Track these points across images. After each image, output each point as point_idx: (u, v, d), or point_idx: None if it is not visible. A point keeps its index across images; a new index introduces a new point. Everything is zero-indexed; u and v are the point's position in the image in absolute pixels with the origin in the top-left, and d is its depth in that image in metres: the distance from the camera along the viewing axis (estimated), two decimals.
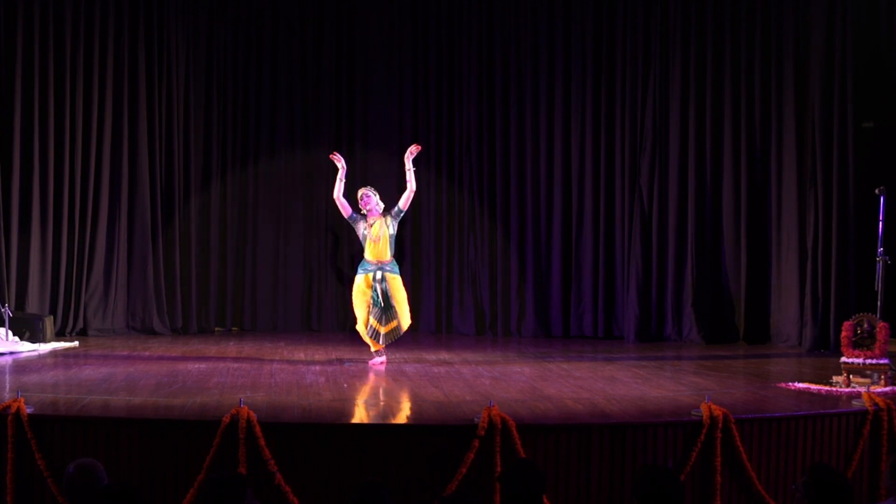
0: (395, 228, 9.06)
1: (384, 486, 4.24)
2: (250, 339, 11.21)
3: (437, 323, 12.09)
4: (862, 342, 7.74)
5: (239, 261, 12.24)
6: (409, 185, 9.02)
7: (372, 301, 8.89)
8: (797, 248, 10.61)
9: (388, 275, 8.97)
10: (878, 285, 8.37)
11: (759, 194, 11.05)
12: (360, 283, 9.01)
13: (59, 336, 10.71)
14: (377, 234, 8.98)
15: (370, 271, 8.98)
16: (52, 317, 10.64)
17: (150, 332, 11.45)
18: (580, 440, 6.09)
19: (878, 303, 8.32)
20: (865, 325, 7.77)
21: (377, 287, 8.92)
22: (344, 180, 9.16)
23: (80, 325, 11.23)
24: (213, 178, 12.05)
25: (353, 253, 12.10)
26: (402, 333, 9.06)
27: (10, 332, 9.83)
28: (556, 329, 11.82)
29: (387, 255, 9.00)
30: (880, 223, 8.51)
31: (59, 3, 11.16)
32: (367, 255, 9.03)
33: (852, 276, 10.18)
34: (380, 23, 12.31)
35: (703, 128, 11.28)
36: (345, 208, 9.18)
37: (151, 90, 11.59)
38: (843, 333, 7.84)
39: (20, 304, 10.84)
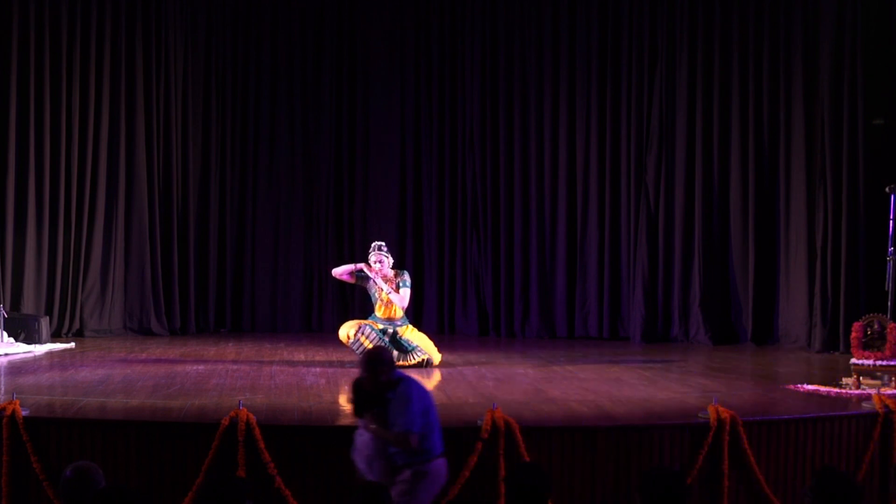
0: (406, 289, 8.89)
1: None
2: (250, 339, 11.13)
3: (439, 324, 12.01)
4: (872, 343, 7.68)
5: (238, 261, 12.20)
6: (399, 300, 8.79)
7: (377, 335, 8.64)
8: (806, 248, 10.53)
9: (399, 328, 8.84)
10: (889, 285, 8.30)
11: (768, 193, 10.96)
12: (367, 321, 8.87)
13: (56, 337, 10.65)
14: (387, 298, 8.82)
15: (380, 323, 8.83)
16: (48, 317, 10.58)
17: (147, 332, 11.39)
18: (585, 443, 6.05)
19: (889, 303, 8.25)
20: (876, 326, 7.71)
21: (387, 330, 8.76)
22: (352, 273, 8.97)
23: (77, 325, 11.17)
24: (211, 178, 12.01)
25: (353, 252, 12.04)
26: (434, 365, 8.80)
27: (4, 333, 9.77)
28: (560, 330, 11.75)
29: (398, 314, 8.85)
30: (891, 222, 8.44)
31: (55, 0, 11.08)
32: (378, 312, 8.88)
33: (862, 276, 10.09)
34: (381, 20, 12.25)
35: (711, 125, 11.19)
36: (346, 279, 9.07)
37: (149, 89, 11.53)
38: (853, 334, 7.79)
39: (16, 305, 10.78)
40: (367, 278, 8.85)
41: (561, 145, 11.81)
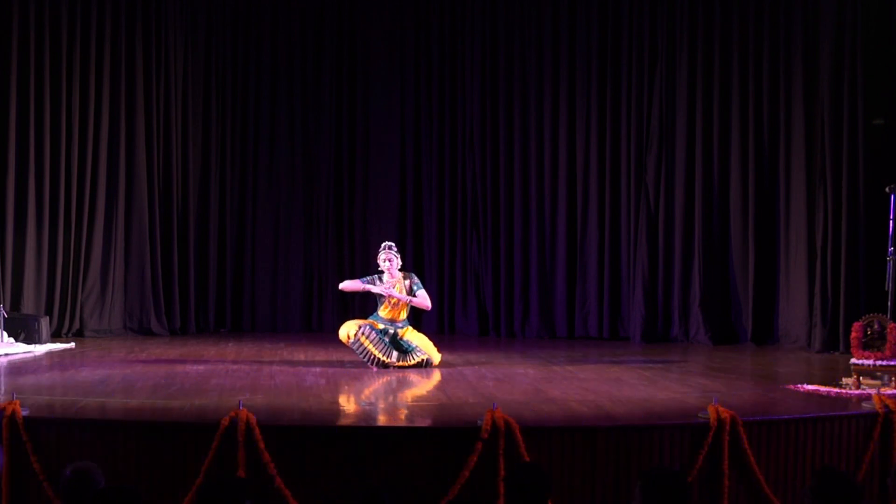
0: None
1: (386, 492, 4.16)
2: (250, 339, 11.13)
3: (439, 324, 12.00)
4: (872, 343, 7.66)
5: (238, 261, 12.20)
6: (421, 302, 8.77)
7: (377, 335, 8.59)
8: (806, 248, 10.51)
9: (400, 330, 8.77)
10: (889, 285, 8.27)
11: (768, 193, 10.96)
12: (368, 321, 8.81)
13: (55, 337, 10.63)
14: (396, 300, 8.75)
15: (381, 323, 8.77)
16: (48, 317, 10.57)
17: (147, 332, 11.39)
18: (585, 443, 6.02)
19: (889, 303, 8.23)
20: (876, 326, 7.69)
21: (388, 331, 8.71)
22: (361, 288, 8.89)
23: (77, 325, 11.17)
24: (211, 177, 12.02)
25: (353, 251, 12.05)
26: (434, 365, 8.75)
27: (4, 333, 9.76)
28: (560, 330, 11.74)
29: (402, 315, 8.79)
30: (891, 222, 8.41)
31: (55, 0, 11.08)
32: (381, 312, 8.80)
33: (862, 276, 10.07)
34: (381, 20, 12.25)
35: (711, 125, 11.19)
36: (354, 289, 8.99)
37: (149, 88, 11.53)
38: (853, 334, 7.76)
39: (15, 305, 10.77)
40: (381, 294, 8.81)
41: (561, 145, 11.81)
